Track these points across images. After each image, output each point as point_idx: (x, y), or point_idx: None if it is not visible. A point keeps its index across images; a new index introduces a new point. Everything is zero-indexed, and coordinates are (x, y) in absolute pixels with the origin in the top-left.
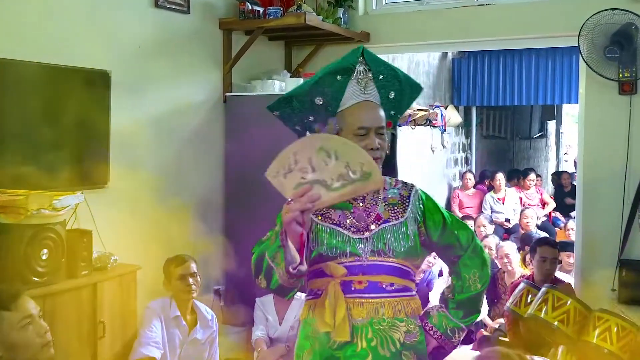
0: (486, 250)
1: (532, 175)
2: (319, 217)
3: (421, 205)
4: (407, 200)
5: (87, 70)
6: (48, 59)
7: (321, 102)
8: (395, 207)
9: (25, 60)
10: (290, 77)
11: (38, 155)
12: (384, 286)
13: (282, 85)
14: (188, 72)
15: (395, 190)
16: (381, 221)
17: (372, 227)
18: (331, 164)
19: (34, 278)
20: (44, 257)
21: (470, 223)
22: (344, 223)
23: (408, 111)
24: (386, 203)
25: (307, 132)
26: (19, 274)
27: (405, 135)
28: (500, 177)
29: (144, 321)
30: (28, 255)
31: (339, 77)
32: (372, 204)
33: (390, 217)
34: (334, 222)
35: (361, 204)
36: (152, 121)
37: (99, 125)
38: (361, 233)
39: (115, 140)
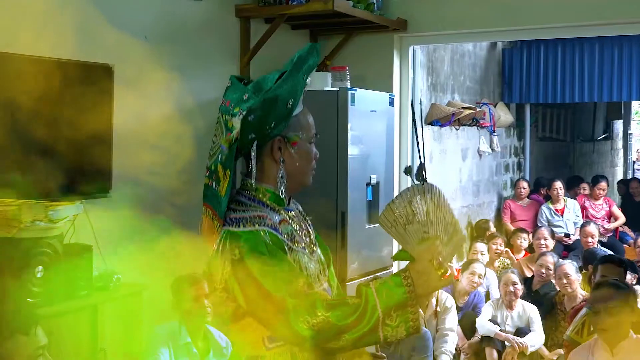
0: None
1: (604, 184)
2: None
3: None
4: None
5: (87, 64)
6: (44, 51)
7: (289, 106)
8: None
9: (19, 54)
10: (317, 71)
11: (32, 160)
12: None
13: (307, 80)
14: (201, 65)
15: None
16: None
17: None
18: (437, 218)
19: (28, 299)
20: (38, 275)
21: (524, 236)
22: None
23: (451, 109)
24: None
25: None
26: (11, 294)
27: (448, 136)
28: (558, 185)
29: (150, 348)
30: (21, 273)
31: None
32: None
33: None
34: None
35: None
36: (159, 121)
37: (100, 126)
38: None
39: (118, 143)
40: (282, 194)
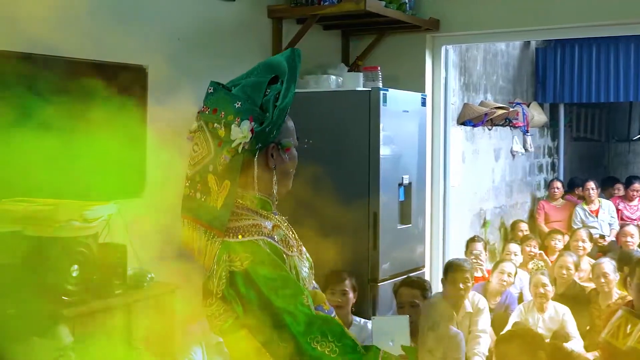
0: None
1: (637, 185)
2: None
3: None
4: None
5: (122, 65)
6: (76, 53)
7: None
8: None
9: (53, 55)
10: (348, 71)
11: (67, 161)
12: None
13: (338, 80)
14: (233, 66)
15: None
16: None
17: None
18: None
19: (63, 297)
20: (74, 274)
21: (559, 238)
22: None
23: (484, 109)
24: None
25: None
26: (47, 292)
27: (480, 137)
28: (591, 185)
29: (184, 347)
30: (57, 271)
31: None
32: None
33: None
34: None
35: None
36: (192, 121)
37: (134, 127)
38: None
39: (151, 143)
40: (275, 199)
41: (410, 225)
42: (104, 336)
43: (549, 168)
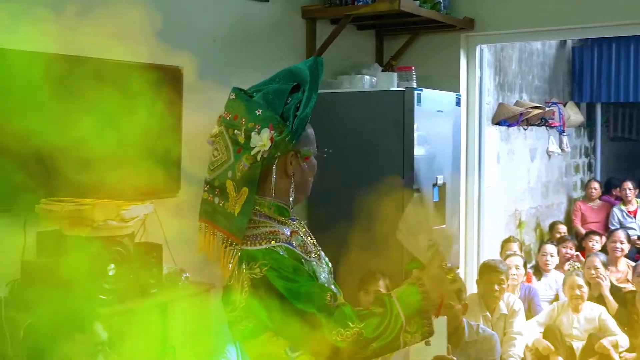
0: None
1: None
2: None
3: None
4: None
5: (158, 67)
6: (112, 54)
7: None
8: None
9: (88, 57)
10: (382, 71)
11: (104, 161)
12: None
13: (372, 80)
14: (267, 67)
15: None
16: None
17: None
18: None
19: (100, 296)
20: (110, 273)
21: (596, 239)
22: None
23: (519, 109)
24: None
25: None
26: (84, 291)
27: (516, 137)
28: (628, 185)
29: (218, 346)
30: (94, 270)
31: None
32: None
33: None
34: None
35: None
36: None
37: (169, 127)
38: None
39: (187, 144)
40: (291, 206)
41: (444, 225)
42: (139, 335)
43: (586, 168)
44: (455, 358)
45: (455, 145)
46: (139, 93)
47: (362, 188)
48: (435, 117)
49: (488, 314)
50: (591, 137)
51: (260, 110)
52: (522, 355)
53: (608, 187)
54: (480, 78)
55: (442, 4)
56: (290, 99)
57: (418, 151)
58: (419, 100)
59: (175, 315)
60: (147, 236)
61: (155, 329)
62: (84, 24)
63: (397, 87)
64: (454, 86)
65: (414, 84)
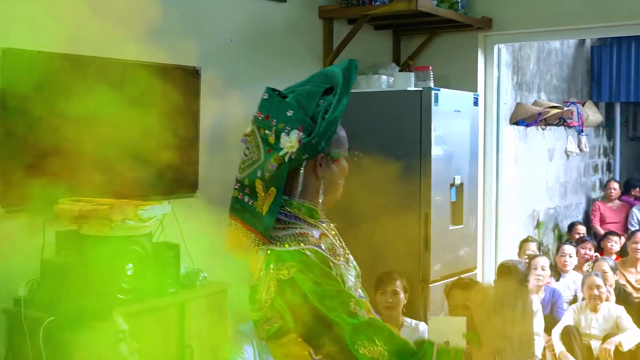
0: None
1: None
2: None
3: None
4: None
5: (175, 67)
6: (132, 55)
7: (338, 124)
8: None
9: (108, 57)
10: (400, 71)
11: (122, 161)
12: None
13: (390, 80)
14: (285, 67)
15: None
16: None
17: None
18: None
19: (119, 295)
20: (128, 273)
21: (615, 240)
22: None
23: (537, 109)
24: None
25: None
26: (102, 290)
27: (534, 136)
28: None
29: (235, 346)
30: (112, 270)
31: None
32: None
33: None
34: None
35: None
36: (244, 122)
37: (187, 127)
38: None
39: (204, 144)
40: (321, 209)
41: (462, 226)
42: (157, 334)
43: (605, 168)
44: None
45: (472, 146)
46: (157, 93)
47: (379, 188)
48: (452, 117)
49: None
50: (610, 136)
51: (291, 112)
52: (540, 356)
53: (627, 187)
54: (498, 78)
55: (459, 4)
56: (322, 101)
57: (435, 151)
58: (437, 100)
59: (192, 315)
60: (165, 236)
61: (172, 328)
62: (102, 24)
63: (415, 87)
64: (471, 86)
65: (432, 84)
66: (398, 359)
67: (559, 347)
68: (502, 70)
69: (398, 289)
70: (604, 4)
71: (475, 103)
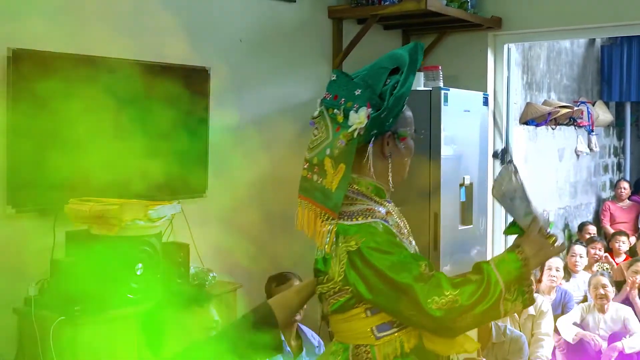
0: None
1: None
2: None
3: None
4: None
5: (185, 67)
6: (142, 55)
7: (404, 102)
8: None
9: (118, 58)
10: None
11: (131, 161)
12: None
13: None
14: (294, 67)
15: None
16: None
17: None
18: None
19: (128, 295)
20: (138, 273)
21: (623, 239)
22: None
23: (547, 108)
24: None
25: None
26: (112, 290)
27: (544, 136)
28: None
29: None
30: (122, 270)
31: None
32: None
33: None
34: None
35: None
36: (254, 122)
37: (196, 127)
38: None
39: (214, 144)
40: (391, 186)
41: (471, 226)
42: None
43: (615, 168)
44: (484, 359)
45: (482, 145)
46: (166, 93)
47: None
48: (462, 116)
49: (516, 315)
50: (620, 136)
51: (359, 90)
52: (550, 357)
53: (637, 186)
54: (508, 77)
55: (469, 3)
56: (389, 80)
57: (445, 151)
58: (446, 100)
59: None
60: (175, 236)
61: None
62: (112, 25)
63: (424, 86)
64: (481, 86)
65: (441, 84)
66: (471, 296)
67: (572, 331)
68: (512, 70)
69: None
70: (614, 3)
71: (485, 103)
